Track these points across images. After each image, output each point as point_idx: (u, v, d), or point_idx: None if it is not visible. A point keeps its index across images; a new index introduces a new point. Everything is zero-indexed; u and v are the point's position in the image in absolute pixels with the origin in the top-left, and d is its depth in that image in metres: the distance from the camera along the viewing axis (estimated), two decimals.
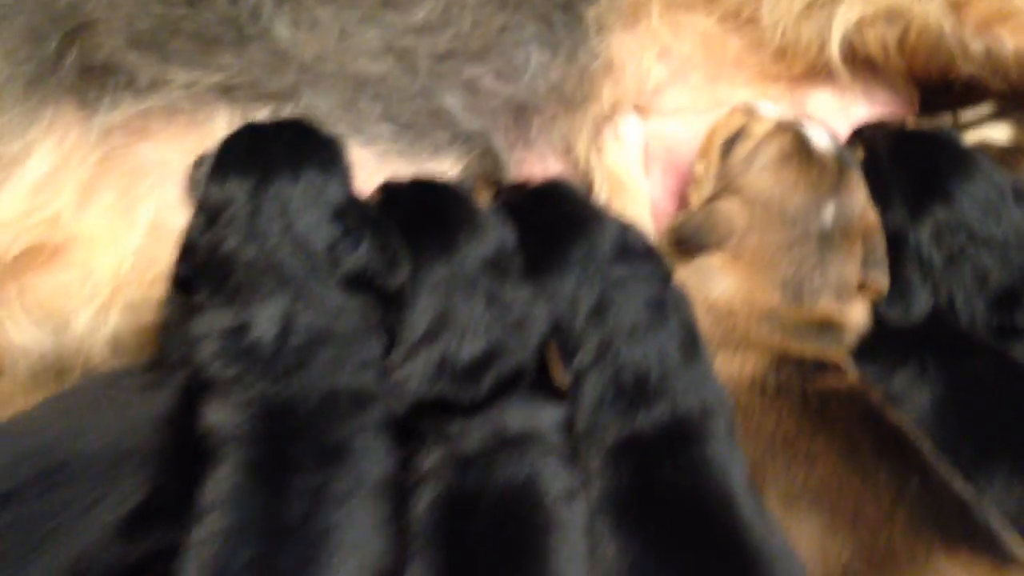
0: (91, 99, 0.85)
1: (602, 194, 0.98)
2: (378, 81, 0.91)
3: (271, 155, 0.77)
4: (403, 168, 0.92)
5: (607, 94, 0.97)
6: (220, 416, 0.69)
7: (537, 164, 0.99)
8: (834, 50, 0.97)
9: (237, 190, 0.75)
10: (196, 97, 0.87)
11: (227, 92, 0.87)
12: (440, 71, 0.93)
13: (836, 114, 1.02)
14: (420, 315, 0.75)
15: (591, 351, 0.76)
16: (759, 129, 0.92)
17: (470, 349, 0.73)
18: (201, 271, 0.75)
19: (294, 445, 0.67)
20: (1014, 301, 0.89)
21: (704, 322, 0.82)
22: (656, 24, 0.98)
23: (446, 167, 0.94)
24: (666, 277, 0.82)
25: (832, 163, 0.89)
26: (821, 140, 0.90)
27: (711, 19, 0.99)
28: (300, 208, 0.75)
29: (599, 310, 0.77)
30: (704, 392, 0.76)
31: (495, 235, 0.79)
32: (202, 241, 0.75)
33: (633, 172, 1.00)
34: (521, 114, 0.96)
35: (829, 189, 0.88)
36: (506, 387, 0.74)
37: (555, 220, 0.83)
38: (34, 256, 0.85)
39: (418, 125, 0.93)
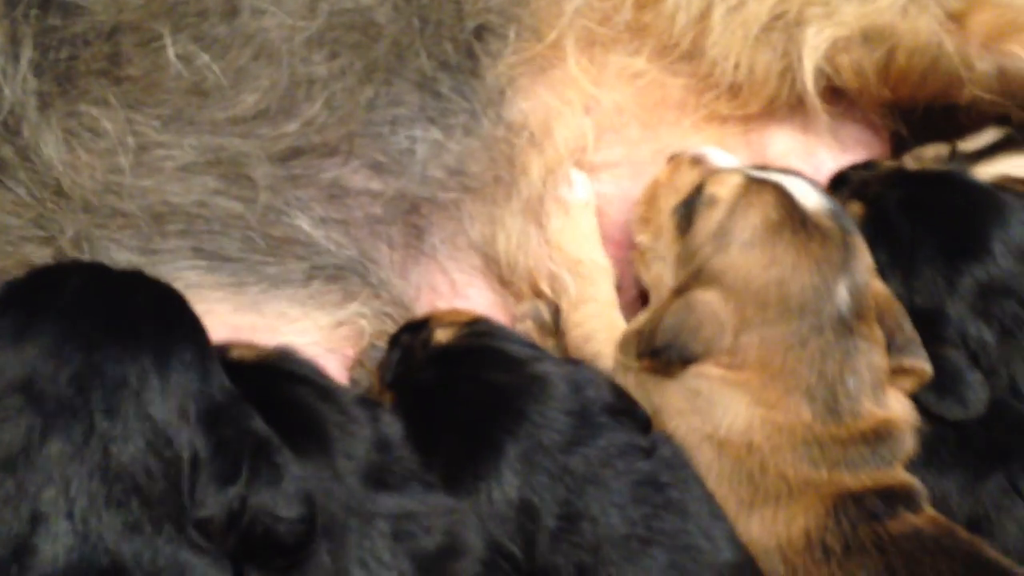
0: None
1: (549, 289, 0.87)
2: (193, 208, 0.77)
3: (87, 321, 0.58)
4: (240, 321, 0.78)
5: (535, 167, 0.86)
6: None
7: (441, 279, 0.86)
8: (807, 81, 0.87)
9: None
10: None
11: None
12: (285, 179, 0.79)
13: (801, 159, 0.93)
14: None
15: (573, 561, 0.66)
16: (724, 191, 0.80)
17: None
18: None
19: None
20: None
21: (716, 468, 0.73)
22: (575, 71, 0.87)
23: (298, 317, 0.80)
24: (646, 428, 0.72)
25: (832, 227, 0.78)
26: (810, 197, 0.80)
27: (640, 58, 0.89)
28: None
29: (568, 522, 0.66)
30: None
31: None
32: None
33: (591, 245, 0.89)
34: (412, 217, 0.84)
35: (838, 262, 0.77)
36: None
37: (477, 398, 0.70)
38: None
39: (251, 261, 0.79)
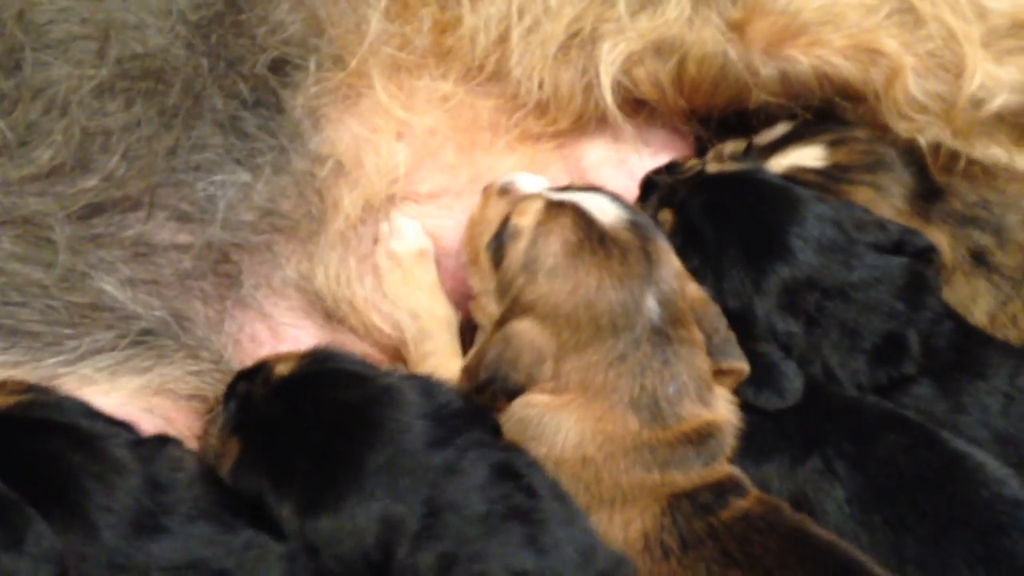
0: None
1: (386, 327, 0.87)
2: None
3: None
4: None
5: (348, 200, 0.85)
6: None
7: (261, 327, 0.84)
8: (605, 95, 0.90)
9: None
10: None
11: None
12: (86, 239, 0.76)
13: (614, 167, 0.97)
14: None
15: (429, 572, 0.66)
16: (526, 220, 0.82)
17: None
18: None
19: None
20: (897, 349, 0.84)
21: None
22: (383, 98, 0.87)
23: (105, 383, 0.76)
24: (497, 433, 0.74)
25: (631, 239, 0.80)
26: (607, 212, 0.82)
27: (447, 81, 0.90)
28: None
29: (432, 517, 0.67)
30: (596, 561, 0.69)
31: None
32: None
33: (428, 296, 0.88)
34: (223, 266, 0.82)
35: (641, 274, 0.79)
36: None
37: (329, 419, 0.70)
38: None
39: (52, 334, 0.74)
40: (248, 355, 0.81)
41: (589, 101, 0.91)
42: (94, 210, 0.76)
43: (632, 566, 0.70)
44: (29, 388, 0.68)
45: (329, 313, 0.84)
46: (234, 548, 0.63)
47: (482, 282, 0.84)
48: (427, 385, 0.73)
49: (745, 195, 0.88)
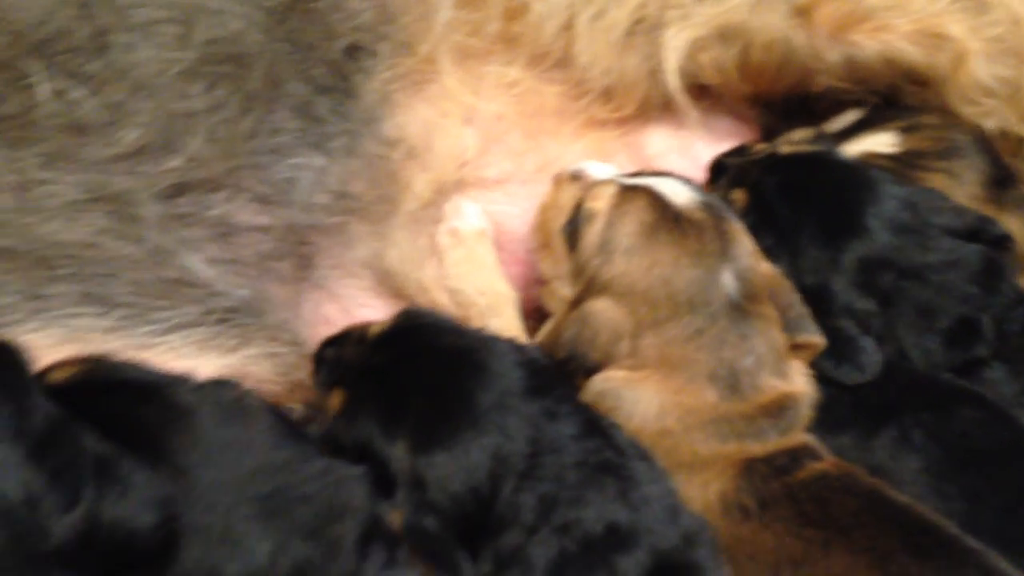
0: None
1: (452, 303, 0.88)
2: (80, 250, 0.75)
3: None
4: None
5: (420, 183, 0.87)
6: None
7: (333, 307, 0.85)
8: (671, 80, 0.91)
9: None
10: None
11: None
12: (172, 218, 0.78)
13: (679, 155, 0.97)
14: None
15: (531, 512, 0.68)
16: (600, 203, 0.83)
17: None
18: None
19: None
20: (970, 332, 0.84)
21: None
22: (451, 83, 0.89)
23: (192, 358, 0.77)
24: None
25: (705, 218, 0.82)
26: (681, 194, 0.83)
27: (515, 67, 0.91)
28: None
29: (535, 458, 0.69)
30: (680, 519, 0.71)
31: None
32: None
33: (490, 274, 0.89)
34: (299, 248, 0.84)
35: (716, 252, 0.81)
36: None
37: (437, 362, 0.73)
38: None
39: (145, 307, 0.76)
40: (320, 337, 0.80)
41: (653, 88, 0.92)
42: (179, 190, 0.77)
43: (711, 530, 0.71)
44: (86, 359, 0.70)
45: (398, 293, 0.86)
46: (314, 473, 0.64)
47: (555, 266, 0.85)
48: (516, 343, 0.76)
49: (820, 175, 0.88)
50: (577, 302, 0.81)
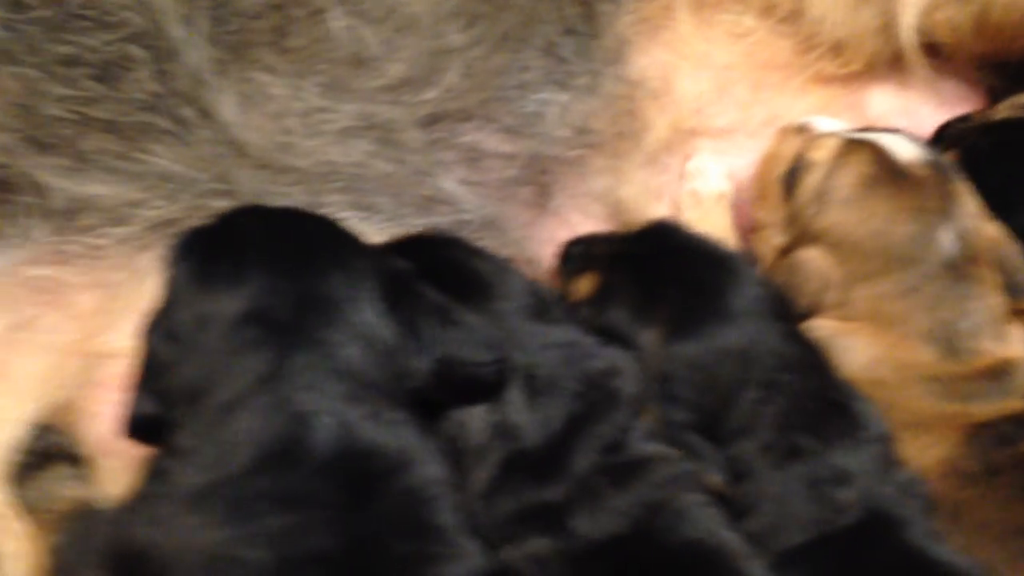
0: None
1: None
2: (352, 168, 0.83)
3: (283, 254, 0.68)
4: None
5: (658, 123, 0.90)
6: None
7: (565, 233, 0.88)
8: (905, 35, 0.91)
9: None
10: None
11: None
12: (429, 143, 0.84)
13: (902, 116, 0.96)
14: None
15: (767, 429, 0.70)
16: (821, 154, 0.85)
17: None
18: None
19: None
20: None
21: None
22: (687, 29, 0.92)
23: None
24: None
25: (929, 176, 0.82)
26: (906, 150, 0.83)
27: (748, 16, 0.93)
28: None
29: (777, 372, 0.71)
30: (894, 470, 0.72)
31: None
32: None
33: (721, 236, 0.88)
34: (540, 176, 0.89)
35: (937, 209, 0.81)
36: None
37: (692, 262, 0.77)
38: None
39: (403, 216, 0.84)
40: (551, 258, 0.86)
41: (884, 43, 0.92)
42: (435, 119, 0.84)
43: (927, 487, 0.72)
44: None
45: (627, 227, 0.88)
46: (592, 341, 0.71)
47: (769, 214, 0.87)
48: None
49: None
50: (788, 250, 0.83)
